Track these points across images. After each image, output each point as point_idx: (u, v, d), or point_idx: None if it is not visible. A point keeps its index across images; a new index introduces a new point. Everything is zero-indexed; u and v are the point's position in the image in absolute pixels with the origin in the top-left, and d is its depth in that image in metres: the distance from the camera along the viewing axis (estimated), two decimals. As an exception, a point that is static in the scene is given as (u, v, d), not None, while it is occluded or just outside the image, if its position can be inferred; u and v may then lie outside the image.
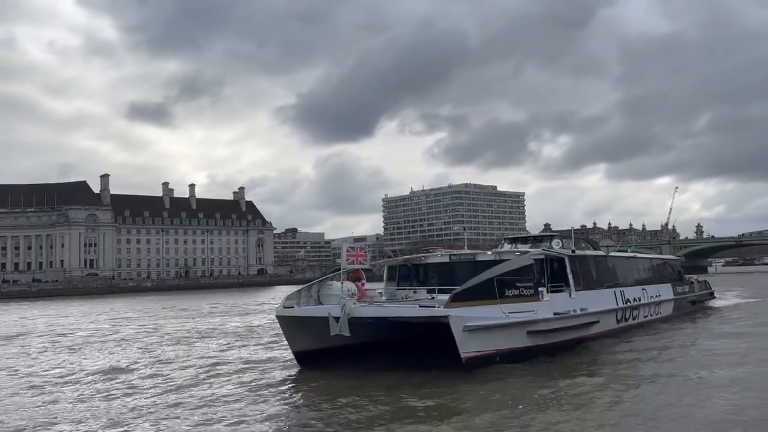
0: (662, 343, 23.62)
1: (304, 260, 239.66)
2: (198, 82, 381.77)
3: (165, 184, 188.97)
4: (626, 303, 26.10)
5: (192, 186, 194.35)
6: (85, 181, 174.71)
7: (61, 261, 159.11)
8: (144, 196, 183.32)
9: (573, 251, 23.41)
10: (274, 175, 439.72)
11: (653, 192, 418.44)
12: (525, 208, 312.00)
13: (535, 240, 26.63)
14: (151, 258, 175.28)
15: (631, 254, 30.90)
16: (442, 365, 17.58)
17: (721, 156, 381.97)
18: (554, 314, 19.89)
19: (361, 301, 19.34)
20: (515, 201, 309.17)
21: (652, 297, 29.15)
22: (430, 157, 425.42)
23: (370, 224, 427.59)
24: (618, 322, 25.18)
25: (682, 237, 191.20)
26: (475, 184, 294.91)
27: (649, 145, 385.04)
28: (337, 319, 17.71)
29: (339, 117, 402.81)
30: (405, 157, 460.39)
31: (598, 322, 22.45)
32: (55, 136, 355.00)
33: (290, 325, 19.70)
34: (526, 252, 22.20)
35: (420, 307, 18.10)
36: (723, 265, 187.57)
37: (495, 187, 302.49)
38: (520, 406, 13.82)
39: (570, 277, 21.86)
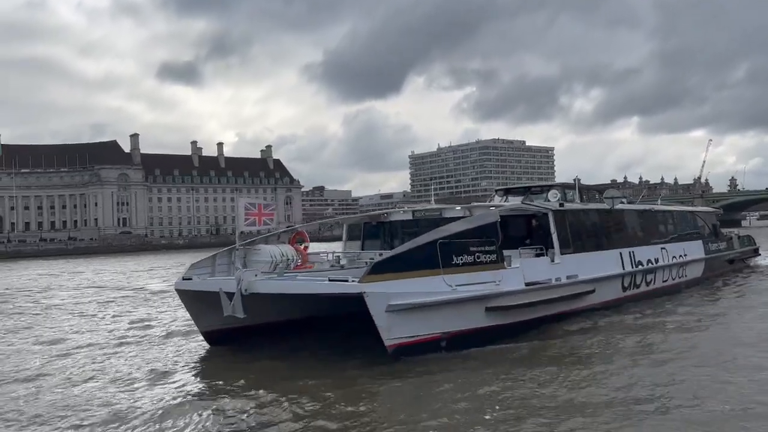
0: (677, 314, 18.99)
1: (332, 217, 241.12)
2: (227, 40, 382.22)
3: (194, 143, 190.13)
4: (637, 266, 21.72)
5: (220, 144, 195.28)
6: (115, 141, 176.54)
7: (95, 219, 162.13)
8: (174, 155, 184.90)
9: (561, 204, 19.17)
10: (302, 133, 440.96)
11: (687, 145, 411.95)
12: (554, 163, 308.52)
13: (531, 191, 22.71)
14: (182, 216, 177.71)
15: (647, 207, 26.58)
16: (370, 348, 13.63)
17: (759, 107, 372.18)
18: (526, 284, 15.88)
19: (304, 267, 16.40)
20: (545, 156, 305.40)
21: (674, 257, 24.61)
22: (458, 113, 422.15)
23: (397, 182, 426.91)
24: (625, 289, 21.03)
25: (716, 191, 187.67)
26: (503, 140, 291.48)
27: (683, 98, 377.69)
28: (230, 296, 13.98)
29: (366, 74, 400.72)
30: (433, 114, 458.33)
31: (593, 291, 18.53)
32: (86, 96, 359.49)
33: (191, 300, 15.93)
34: (499, 206, 18.67)
35: (330, 281, 13.98)
36: (758, 219, 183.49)
37: (524, 142, 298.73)
38: (458, 415, 9.98)
39: (554, 237, 17.70)
